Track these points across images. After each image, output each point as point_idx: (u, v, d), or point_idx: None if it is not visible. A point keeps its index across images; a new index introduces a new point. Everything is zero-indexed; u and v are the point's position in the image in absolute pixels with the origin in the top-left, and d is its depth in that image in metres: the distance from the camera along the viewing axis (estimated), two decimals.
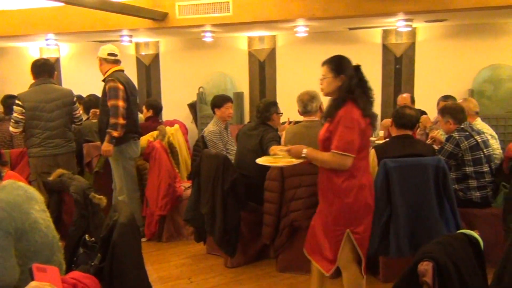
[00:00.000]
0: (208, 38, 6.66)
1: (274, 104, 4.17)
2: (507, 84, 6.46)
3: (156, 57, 8.08)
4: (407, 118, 3.49)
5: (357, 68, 2.66)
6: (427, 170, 3.34)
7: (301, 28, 6.09)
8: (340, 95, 2.61)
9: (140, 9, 5.44)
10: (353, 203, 2.61)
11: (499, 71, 6.48)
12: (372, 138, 5.10)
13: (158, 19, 5.75)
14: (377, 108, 6.56)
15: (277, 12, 5.49)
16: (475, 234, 1.74)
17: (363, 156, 2.67)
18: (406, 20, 5.67)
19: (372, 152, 3.57)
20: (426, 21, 6.22)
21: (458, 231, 1.75)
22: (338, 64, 2.65)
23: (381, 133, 5.11)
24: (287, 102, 7.44)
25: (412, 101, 5.35)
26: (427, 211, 3.35)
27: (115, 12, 5.27)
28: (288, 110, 7.37)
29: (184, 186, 4.79)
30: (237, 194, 3.78)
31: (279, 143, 3.83)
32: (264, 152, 3.85)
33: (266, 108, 4.07)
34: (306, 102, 3.65)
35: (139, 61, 8.17)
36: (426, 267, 1.47)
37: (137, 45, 8.06)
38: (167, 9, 5.76)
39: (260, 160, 3.09)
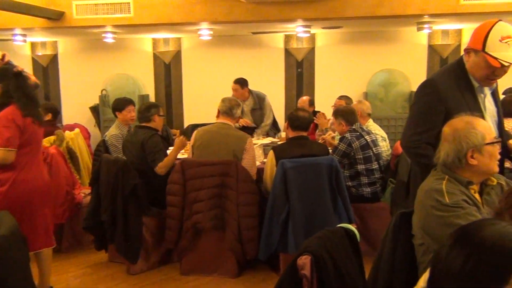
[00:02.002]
0: (109, 39, 6.45)
1: (156, 106, 4.19)
2: (397, 87, 7.02)
3: (54, 58, 7.66)
4: (300, 121, 3.67)
5: (18, 74, 3.00)
6: (321, 169, 3.54)
7: (205, 31, 6.13)
8: (1, 101, 2.97)
9: (33, 7, 5.13)
10: (7, 192, 2.90)
11: (391, 75, 7.02)
12: (274, 139, 5.29)
13: (54, 18, 5.46)
14: (280, 111, 6.82)
15: (179, 14, 5.48)
16: (352, 227, 1.89)
17: (25, 152, 2.96)
18: (305, 26, 5.94)
19: (271, 152, 3.71)
20: (324, 28, 6.56)
21: (337, 226, 1.88)
22: None
23: (283, 134, 5.30)
24: (193, 104, 7.47)
25: (311, 103, 5.60)
26: (322, 207, 3.55)
27: (3, 9, 4.92)
28: (194, 112, 7.41)
29: (84, 193, 4.60)
30: (139, 200, 3.72)
31: (165, 154, 3.95)
32: (147, 159, 3.87)
33: (147, 109, 4.08)
34: (233, 105, 3.81)
35: (35, 62, 7.69)
36: (304, 260, 1.58)
37: (33, 44, 7.58)
38: (64, 8, 5.50)
39: None
